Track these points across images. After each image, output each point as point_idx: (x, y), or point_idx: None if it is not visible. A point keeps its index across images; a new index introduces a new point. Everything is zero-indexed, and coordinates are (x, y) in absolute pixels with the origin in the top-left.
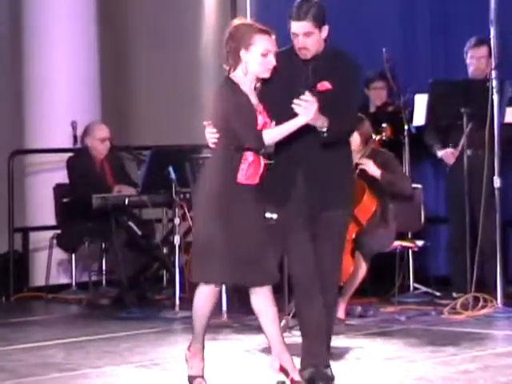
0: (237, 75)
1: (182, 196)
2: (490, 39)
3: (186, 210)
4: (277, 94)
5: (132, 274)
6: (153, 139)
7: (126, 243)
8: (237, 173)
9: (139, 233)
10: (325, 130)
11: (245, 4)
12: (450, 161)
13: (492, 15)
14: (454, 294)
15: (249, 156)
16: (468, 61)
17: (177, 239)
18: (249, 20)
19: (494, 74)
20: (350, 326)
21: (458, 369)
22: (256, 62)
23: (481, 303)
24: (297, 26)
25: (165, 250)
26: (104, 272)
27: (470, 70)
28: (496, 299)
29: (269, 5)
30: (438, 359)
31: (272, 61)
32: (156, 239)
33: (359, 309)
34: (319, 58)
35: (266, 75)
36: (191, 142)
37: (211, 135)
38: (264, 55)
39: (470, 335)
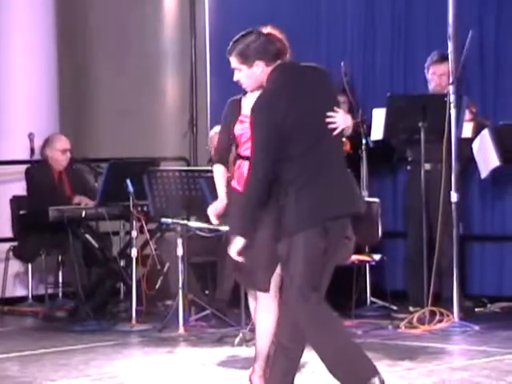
0: None
1: (139, 208)
2: None
3: (144, 223)
4: None
5: (88, 286)
6: (111, 152)
7: (83, 256)
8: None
9: (96, 245)
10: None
11: (204, 22)
12: None
13: (450, 30)
14: (411, 308)
15: (242, 164)
16: (429, 76)
17: (134, 252)
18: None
19: (451, 88)
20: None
21: (415, 383)
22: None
23: (437, 317)
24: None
25: (122, 263)
26: (60, 284)
27: (431, 86)
28: (452, 313)
29: (226, 24)
30: (394, 373)
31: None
32: (113, 252)
33: None
34: None
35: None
36: (149, 155)
37: None
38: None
39: (427, 349)
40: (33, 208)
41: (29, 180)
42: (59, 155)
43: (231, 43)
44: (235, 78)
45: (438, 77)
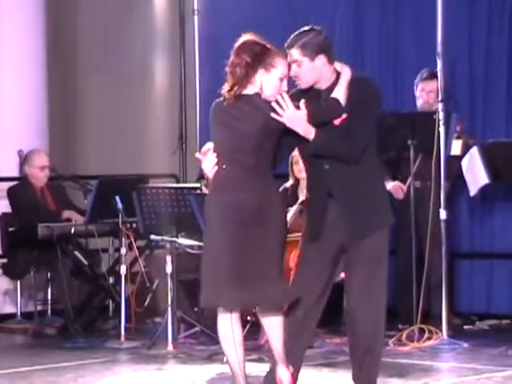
0: (249, 93)
1: (128, 225)
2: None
3: (133, 240)
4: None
5: (78, 303)
6: (100, 169)
7: (72, 272)
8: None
9: (85, 262)
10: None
11: (193, 34)
12: (399, 195)
13: (439, 48)
14: (400, 326)
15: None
16: (418, 93)
17: (123, 269)
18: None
19: (440, 106)
20: None
21: None
22: (272, 84)
23: (426, 335)
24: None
25: (111, 280)
26: (49, 301)
27: (420, 103)
28: (441, 331)
29: (217, 27)
30: None
31: (285, 86)
32: (102, 269)
33: None
34: (331, 88)
35: (273, 99)
36: (139, 172)
37: None
38: (281, 80)
39: (416, 367)
40: (21, 225)
41: (11, 199)
42: (37, 172)
43: (292, 37)
44: (292, 73)
45: (426, 94)
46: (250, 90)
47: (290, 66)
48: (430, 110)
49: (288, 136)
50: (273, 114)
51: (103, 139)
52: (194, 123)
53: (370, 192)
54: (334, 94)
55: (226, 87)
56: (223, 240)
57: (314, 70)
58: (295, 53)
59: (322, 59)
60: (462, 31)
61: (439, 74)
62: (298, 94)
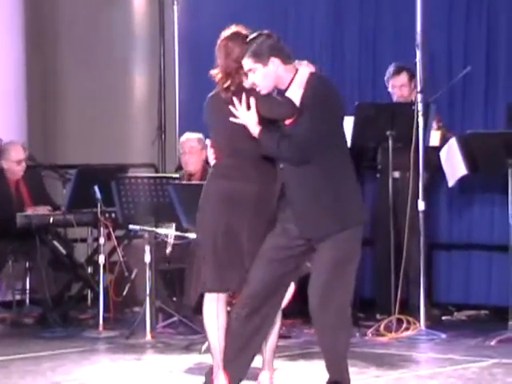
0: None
1: (107, 215)
2: (407, 65)
3: (111, 230)
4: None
5: (56, 293)
6: (79, 158)
7: (50, 262)
8: None
9: (64, 252)
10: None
11: (172, 26)
12: None
13: (418, 39)
14: (378, 316)
15: None
16: (390, 90)
17: (101, 259)
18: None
19: (419, 97)
20: None
21: None
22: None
23: (404, 325)
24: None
25: (89, 270)
26: (28, 291)
27: (394, 98)
28: (419, 321)
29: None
30: (361, 381)
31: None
32: (80, 258)
33: None
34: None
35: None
36: (117, 161)
37: None
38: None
39: (394, 357)
40: None
41: None
42: (14, 166)
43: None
44: (249, 81)
45: (398, 88)
46: (244, 82)
47: (246, 75)
48: (406, 101)
49: None
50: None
51: (82, 128)
52: (173, 113)
53: (324, 194)
54: (287, 94)
55: (218, 77)
56: (221, 225)
57: (270, 74)
58: (248, 62)
59: (274, 61)
60: (441, 23)
61: (418, 65)
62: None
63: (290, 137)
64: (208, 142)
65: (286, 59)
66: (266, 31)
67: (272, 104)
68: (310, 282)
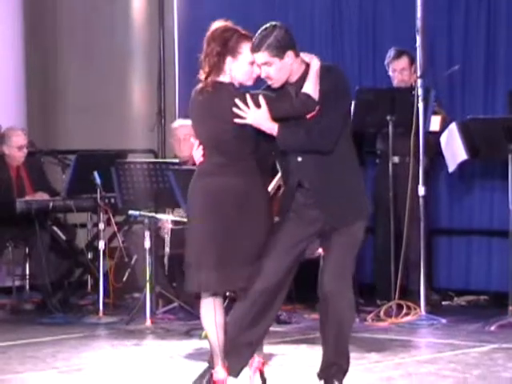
0: (225, 81)
1: (106, 201)
2: (408, 50)
3: (111, 215)
4: None
5: (56, 279)
6: (79, 144)
7: (50, 248)
8: None
9: (63, 237)
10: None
11: (172, 16)
12: None
13: (418, 24)
14: (378, 302)
15: None
16: (391, 74)
17: (101, 244)
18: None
19: (419, 82)
20: (274, 332)
21: (381, 376)
22: (243, 71)
23: (404, 311)
24: (255, 58)
25: (89, 255)
26: (27, 277)
27: (395, 82)
28: (419, 307)
29: (194, 20)
30: (361, 366)
31: (257, 70)
32: (80, 244)
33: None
34: (300, 81)
35: (250, 83)
36: (117, 147)
37: None
38: (251, 63)
39: (394, 342)
40: None
41: None
42: (15, 152)
43: (255, 39)
44: (263, 75)
45: (398, 72)
46: (225, 78)
47: (259, 67)
48: (406, 86)
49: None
50: (236, 119)
51: (82, 114)
52: (173, 99)
53: (343, 184)
54: (304, 89)
55: (201, 74)
56: (211, 223)
57: (286, 68)
58: (264, 56)
59: (290, 55)
60: (440, 10)
61: (418, 50)
62: (268, 90)
63: (317, 127)
64: (193, 140)
65: (297, 52)
66: (275, 23)
67: (284, 105)
68: (324, 267)
